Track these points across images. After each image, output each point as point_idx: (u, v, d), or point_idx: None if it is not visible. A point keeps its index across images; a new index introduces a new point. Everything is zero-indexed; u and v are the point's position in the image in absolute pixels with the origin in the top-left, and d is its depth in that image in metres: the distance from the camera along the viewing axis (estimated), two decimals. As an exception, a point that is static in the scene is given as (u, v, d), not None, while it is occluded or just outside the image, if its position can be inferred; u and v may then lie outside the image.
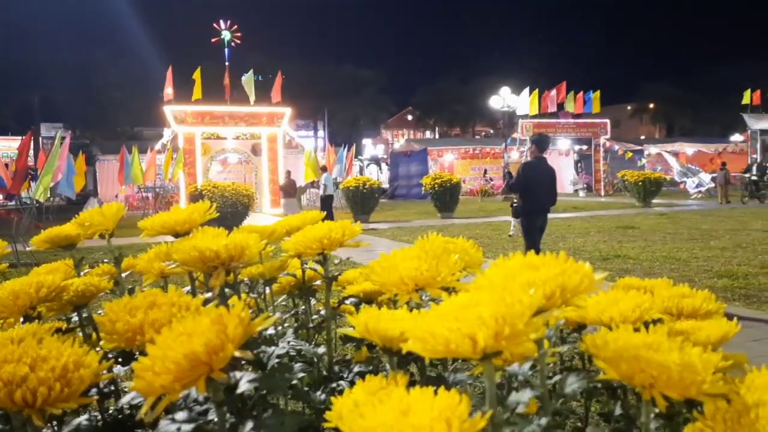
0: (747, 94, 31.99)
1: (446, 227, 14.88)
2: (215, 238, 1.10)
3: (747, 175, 22.29)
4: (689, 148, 35.19)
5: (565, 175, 33.04)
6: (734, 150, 35.16)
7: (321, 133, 51.56)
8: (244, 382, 0.73)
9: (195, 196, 15.58)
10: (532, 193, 7.18)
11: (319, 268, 1.31)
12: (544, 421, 0.73)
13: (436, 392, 0.63)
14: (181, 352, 0.64)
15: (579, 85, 32.42)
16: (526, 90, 29.29)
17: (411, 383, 0.81)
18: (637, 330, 0.77)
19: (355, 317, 0.90)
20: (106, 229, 1.35)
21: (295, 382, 1.15)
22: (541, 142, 7.43)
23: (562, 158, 34.00)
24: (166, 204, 21.23)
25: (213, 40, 24.53)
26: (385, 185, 31.81)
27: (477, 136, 54.07)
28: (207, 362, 0.65)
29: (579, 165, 34.45)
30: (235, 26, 24.62)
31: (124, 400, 0.91)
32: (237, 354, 0.66)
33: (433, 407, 0.61)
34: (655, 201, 21.65)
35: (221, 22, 24.39)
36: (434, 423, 0.59)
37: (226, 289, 1.18)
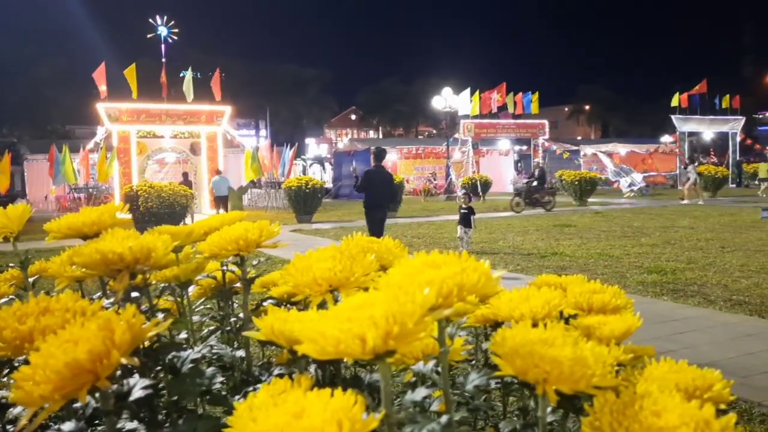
0: (676, 97, 33.50)
1: (389, 226, 14.86)
2: (123, 240, 1.06)
3: (526, 181, 20.16)
4: (622, 149, 36.48)
5: (506, 175, 33.76)
6: (664, 150, 36.72)
7: (263, 132, 50.87)
8: (138, 389, 0.71)
9: (130, 197, 15.04)
10: (371, 193, 9.16)
11: (236, 269, 1.28)
12: (445, 418, 0.73)
13: (333, 394, 0.63)
14: (63, 360, 0.61)
15: (519, 87, 33.01)
16: (467, 91, 29.72)
17: (333, 384, 0.81)
18: (535, 326, 0.78)
19: (262, 319, 0.88)
20: (10, 231, 1.28)
21: (217, 386, 1.13)
22: (378, 154, 9.50)
23: (503, 158, 34.72)
24: (99, 205, 20.42)
25: (149, 35, 23.82)
26: (329, 185, 31.69)
27: (420, 136, 54.58)
28: (92, 370, 0.62)
29: (519, 165, 35.23)
30: (172, 22, 23.99)
31: (16, 410, 0.86)
32: (124, 361, 0.63)
33: (327, 409, 0.60)
34: (590, 200, 22.37)
35: (157, 17, 23.71)
36: (326, 425, 0.58)
37: (135, 293, 1.14)
